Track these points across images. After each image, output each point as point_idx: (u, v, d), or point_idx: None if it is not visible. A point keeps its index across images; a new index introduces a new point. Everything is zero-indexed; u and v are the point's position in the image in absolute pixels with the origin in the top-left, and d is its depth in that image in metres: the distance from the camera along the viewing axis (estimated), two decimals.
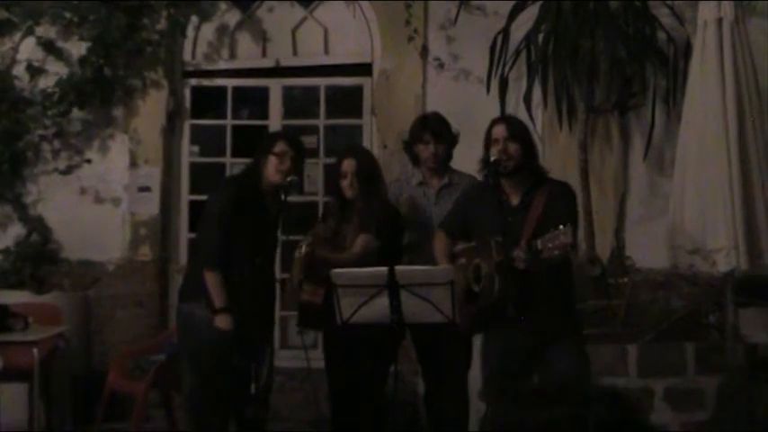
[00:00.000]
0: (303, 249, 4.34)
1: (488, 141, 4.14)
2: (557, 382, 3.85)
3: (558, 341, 4.04)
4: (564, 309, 4.13)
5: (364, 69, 6.61)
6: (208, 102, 6.91)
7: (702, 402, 5.27)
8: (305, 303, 4.45)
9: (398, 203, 4.83)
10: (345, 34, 6.68)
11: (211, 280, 4.31)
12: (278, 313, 5.00)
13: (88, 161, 6.58)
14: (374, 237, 4.46)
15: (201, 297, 4.33)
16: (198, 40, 6.75)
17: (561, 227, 3.75)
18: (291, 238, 4.83)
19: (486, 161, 4.14)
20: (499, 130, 4.12)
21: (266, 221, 4.43)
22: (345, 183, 4.56)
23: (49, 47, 6.56)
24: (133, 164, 6.57)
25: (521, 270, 3.88)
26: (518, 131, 4.14)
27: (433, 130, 4.78)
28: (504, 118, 4.35)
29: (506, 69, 6.07)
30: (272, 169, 4.42)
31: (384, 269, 3.94)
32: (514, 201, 4.11)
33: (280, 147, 4.44)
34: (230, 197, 4.41)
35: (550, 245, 3.76)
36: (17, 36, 6.60)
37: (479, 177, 4.35)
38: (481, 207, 4.16)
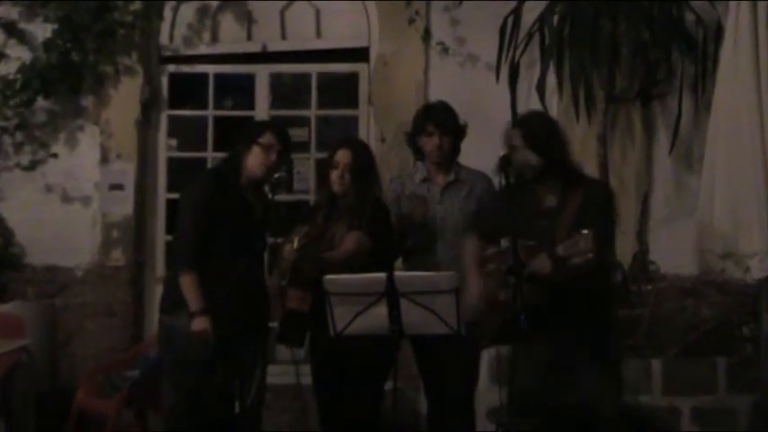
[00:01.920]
0: (295, 244, 4.28)
1: (507, 145, 4.11)
2: (579, 407, 3.83)
3: (583, 361, 4.00)
4: (594, 324, 4.07)
5: (360, 54, 6.60)
6: (187, 90, 6.89)
7: (735, 423, 5.29)
8: (291, 312, 4.41)
9: (399, 203, 4.82)
10: (339, 16, 6.67)
11: (185, 281, 4.30)
12: None
13: (54, 156, 6.55)
14: (366, 235, 4.44)
15: (181, 307, 4.32)
16: (176, 22, 6.72)
17: (584, 231, 3.74)
18: (279, 240, 4.80)
19: (504, 164, 4.07)
20: (514, 137, 4.11)
21: (248, 220, 4.41)
22: (335, 174, 4.54)
23: (10, 29, 6.53)
24: (104, 159, 6.55)
25: (547, 279, 3.85)
26: (535, 137, 4.10)
27: (438, 121, 4.77)
28: (520, 122, 4.30)
29: (517, 54, 6.06)
30: (255, 161, 4.42)
31: (382, 275, 3.93)
32: (549, 203, 4.12)
33: (267, 138, 4.45)
34: (204, 192, 4.40)
35: (570, 251, 3.75)
36: None
37: (491, 175, 4.33)
38: (515, 208, 4.13)
